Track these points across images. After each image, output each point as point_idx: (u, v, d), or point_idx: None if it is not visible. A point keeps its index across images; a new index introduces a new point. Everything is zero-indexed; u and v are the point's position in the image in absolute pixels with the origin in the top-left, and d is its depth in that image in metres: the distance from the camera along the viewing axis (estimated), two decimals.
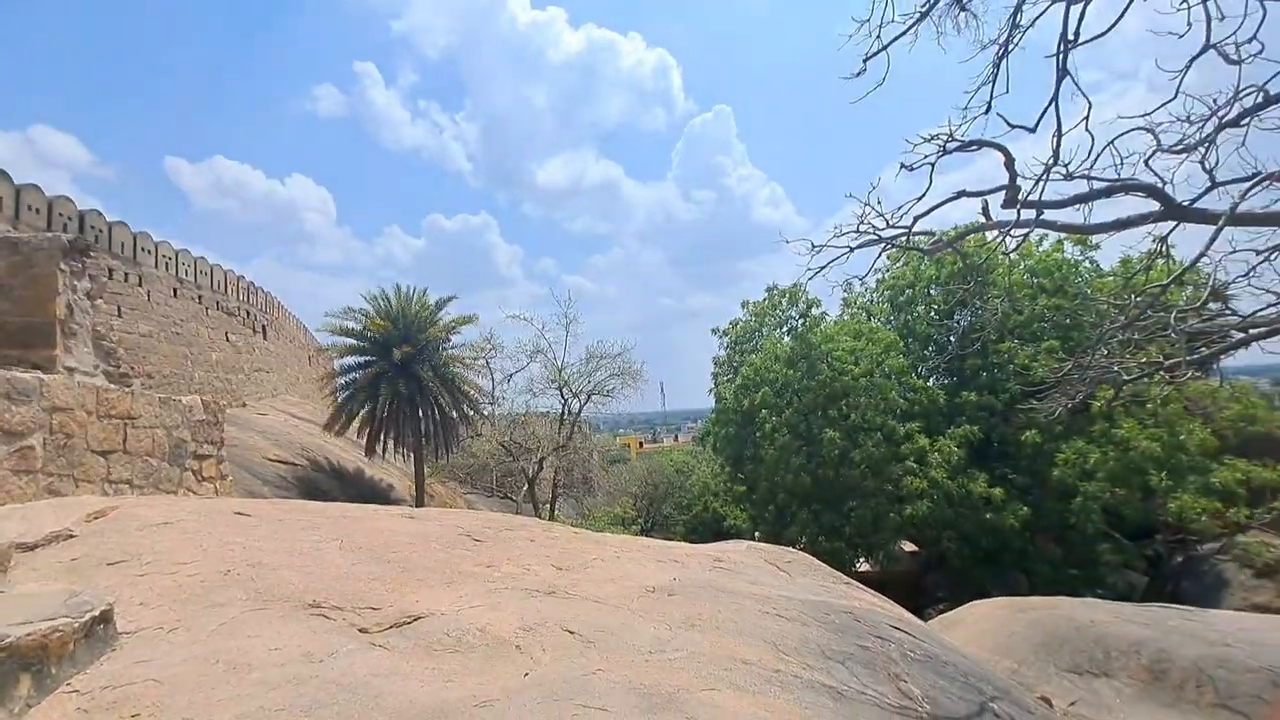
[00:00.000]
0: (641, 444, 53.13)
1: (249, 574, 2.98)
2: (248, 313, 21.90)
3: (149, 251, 16.93)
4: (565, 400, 21.52)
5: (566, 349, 21.79)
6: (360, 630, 2.56)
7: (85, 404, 5.19)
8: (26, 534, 3.30)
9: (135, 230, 16.51)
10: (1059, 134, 3.51)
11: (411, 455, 19.43)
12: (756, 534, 17.65)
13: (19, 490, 4.61)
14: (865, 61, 3.84)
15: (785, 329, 21.43)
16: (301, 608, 2.69)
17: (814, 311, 20.26)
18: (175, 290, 17.82)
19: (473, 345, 21.28)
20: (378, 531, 4.30)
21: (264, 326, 23.23)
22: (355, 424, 18.89)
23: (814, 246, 4.44)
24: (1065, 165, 3.79)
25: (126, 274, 15.97)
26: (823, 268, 4.45)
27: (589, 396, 21.59)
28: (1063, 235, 14.78)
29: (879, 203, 4.27)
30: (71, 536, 3.46)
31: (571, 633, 2.93)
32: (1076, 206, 4.02)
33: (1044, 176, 3.63)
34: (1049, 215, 4.14)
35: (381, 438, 18.72)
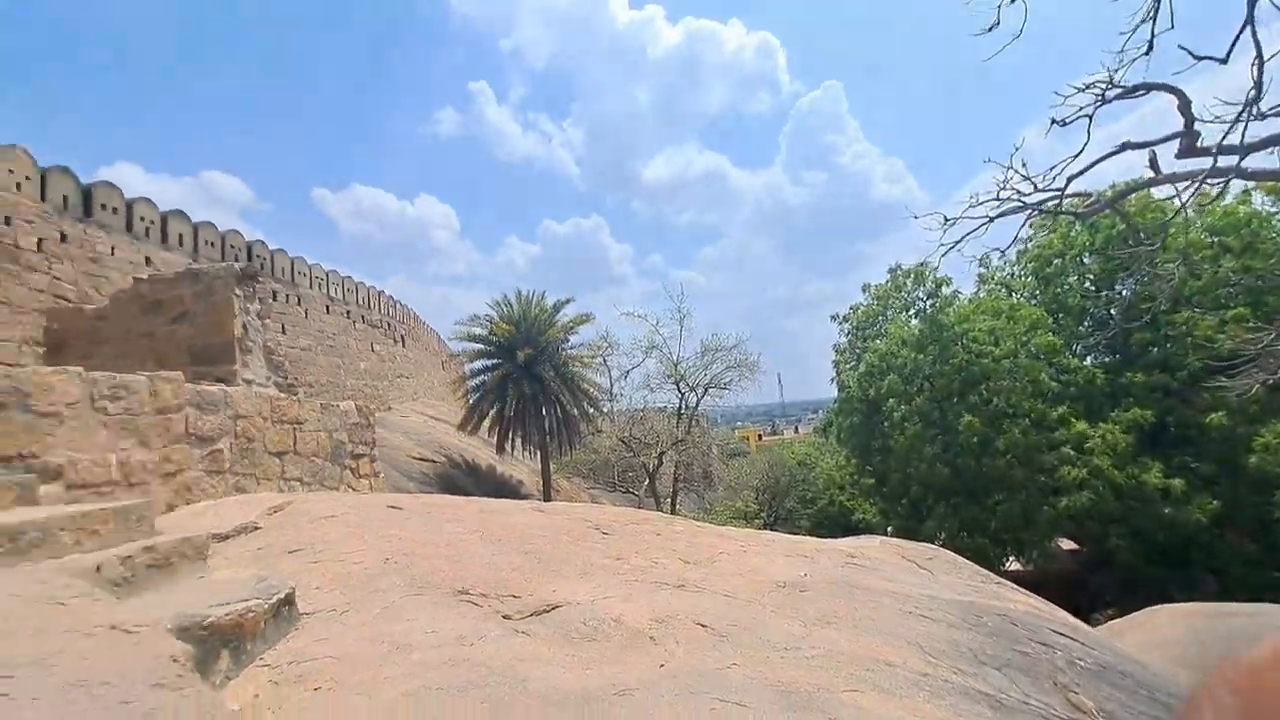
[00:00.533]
0: (760, 436, 52.26)
1: (405, 562, 3.23)
2: (389, 324, 23.96)
3: (304, 274, 18.99)
4: (682, 394, 21.58)
5: (681, 343, 21.90)
6: (504, 617, 2.69)
7: (262, 411, 5.88)
8: (219, 526, 3.77)
9: (292, 256, 18.59)
10: (1260, 61, 2.95)
11: (538, 452, 20.36)
12: (889, 529, 16.76)
13: (211, 488, 5.30)
14: (999, 9, 3.47)
15: (912, 311, 20.15)
16: (452, 594, 2.87)
17: (944, 291, 18.87)
18: (328, 307, 19.85)
19: (590, 344, 21.92)
20: (513, 525, 4.51)
21: (403, 336, 25.31)
22: (486, 423, 20.10)
23: (947, 220, 4.09)
24: (1256, 104, 3.20)
25: (287, 295, 18.01)
26: (957, 242, 4.09)
27: (706, 390, 21.51)
28: (1252, 185, 12.67)
29: (1024, 165, 3.84)
30: (256, 528, 3.93)
31: (703, 626, 2.90)
32: (1270, 149, 3.39)
33: (1244, 115, 3.07)
34: (1230, 161, 3.53)
35: (510, 436, 19.79)
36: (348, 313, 20.96)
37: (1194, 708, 0.39)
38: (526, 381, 19.11)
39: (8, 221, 11.03)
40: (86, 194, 12.76)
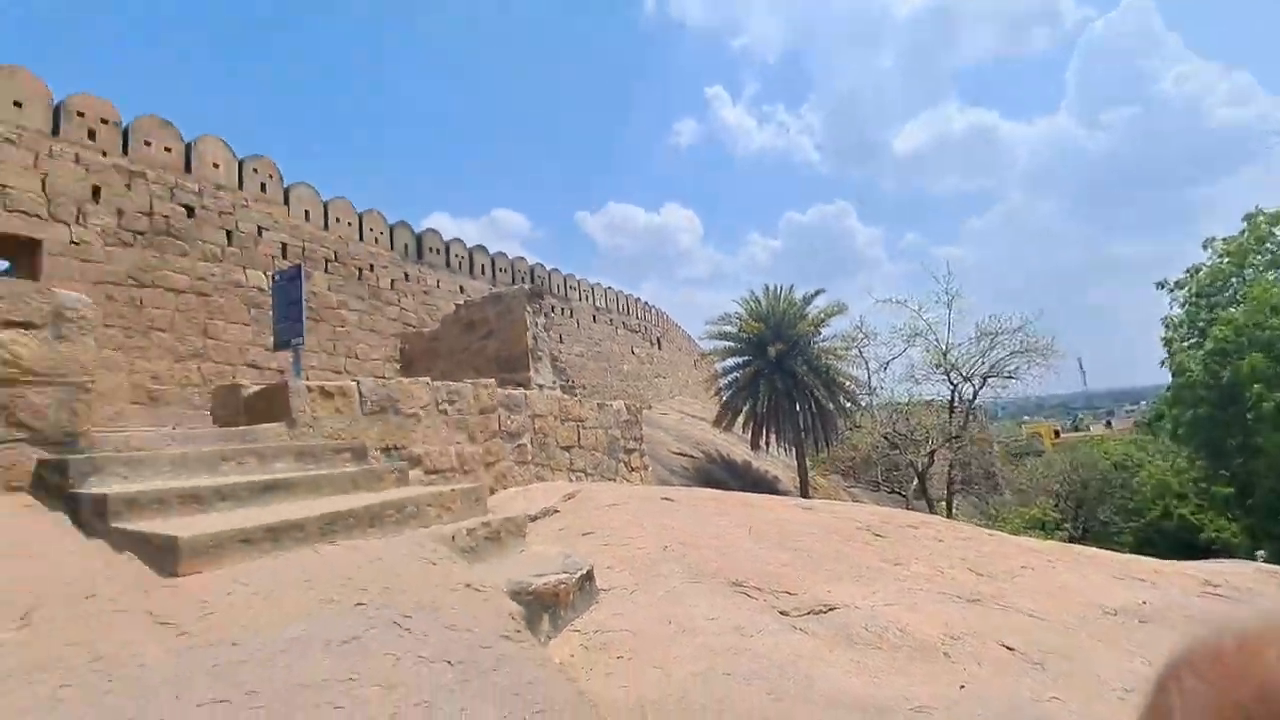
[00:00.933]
0: (1058, 433, 44.52)
1: (681, 551, 3.42)
2: (645, 329, 25.82)
3: (574, 288, 21.44)
4: (954, 385, 19.29)
5: (950, 328, 19.45)
6: (780, 613, 2.68)
7: (553, 411, 6.76)
8: (529, 509, 4.42)
9: (565, 273, 21.13)
10: None
11: (793, 448, 20.06)
12: (1259, 553, 12.93)
13: (518, 476, 6.24)
14: None
15: None
16: (727, 584, 2.96)
17: None
18: (594, 317, 22.12)
19: (844, 336, 20.85)
20: (777, 520, 4.49)
21: (658, 339, 27.05)
22: (739, 420, 20.43)
23: None
24: None
25: (562, 309, 20.49)
26: None
27: (984, 380, 18.90)
28: None
29: None
30: (556, 512, 4.52)
31: (1009, 649, 2.56)
32: None
33: None
34: None
35: (763, 432, 19.84)
36: (610, 320, 23.12)
37: (1161, 695, 0.36)
38: (779, 377, 18.97)
39: (372, 268, 14.43)
40: (419, 240, 16.08)
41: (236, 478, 2.98)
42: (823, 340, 20.43)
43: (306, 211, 13.28)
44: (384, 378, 7.96)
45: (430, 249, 16.33)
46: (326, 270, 13.32)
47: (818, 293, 20.85)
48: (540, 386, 8.86)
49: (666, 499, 4.81)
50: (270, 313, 9.39)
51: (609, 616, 2.58)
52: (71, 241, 9.50)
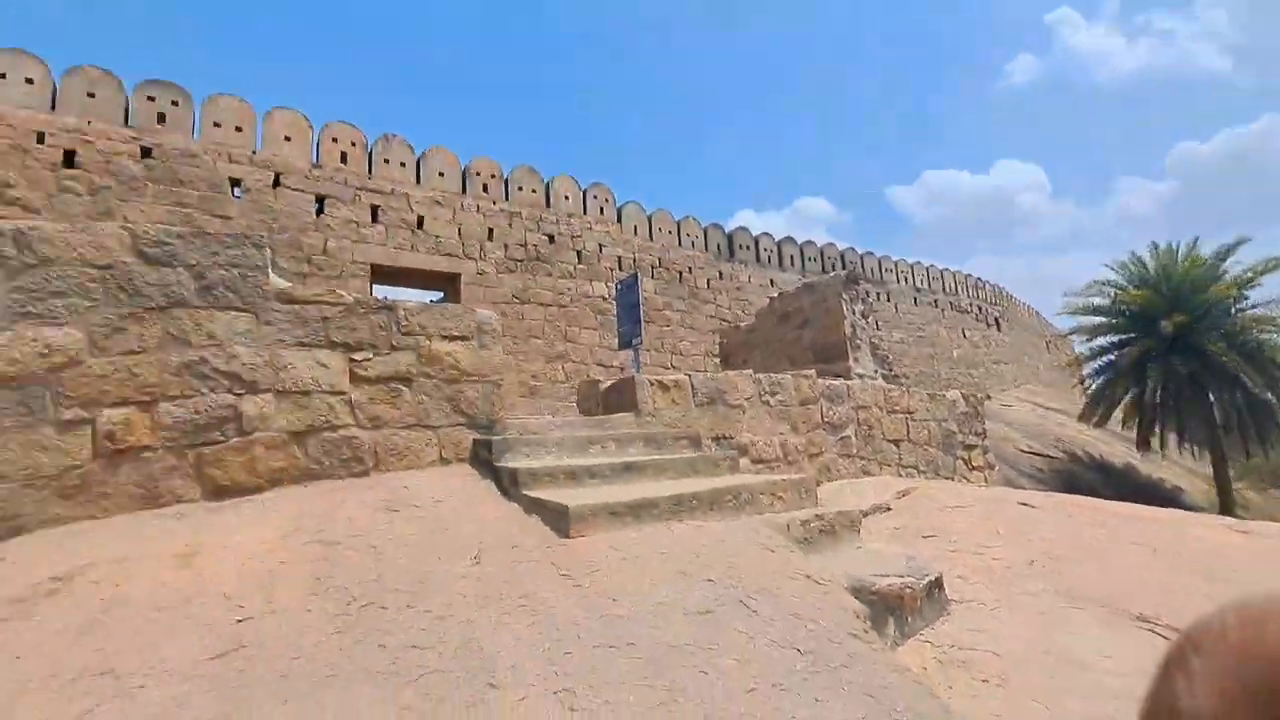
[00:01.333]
0: None
1: (1050, 566, 2.90)
2: (979, 308, 22.66)
3: (890, 270, 19.94)
4: None
5: None
6: None
7: (877, 402, 6.38)
8: (860, 504, 4.23)
9: (879, 255, 19.79)
10: None
11: (1204, 451, 15.41)
12: None
13: (842, 469, 6.04)
14: None
15: None
16: (1122, 616, 2.40)
17: None
18: (915, 299, 20.26)
19: None
20: (1193, 541, 3.50)
21: (996, 319, 23.49)
22: (1117, 414, 16.50)
23: None
24: None
25: (878, 293, 19.22)
26: None
27: None
28: None
29: None
30: (888, 509, 4.24)
31: None
32: None
33: None
34: None
35: (1156, 429, 15.66)
36: (934, 301, 20.91)
37: (1167, 675, 0.36)
38: (1178, 359, 14.73)
39: (690, 270, 15.59)
40: (729, 239, 16.82)
41: (601, 459, 3.50)
42: (1251, 307, 15.23)
43: (635, 226, 15.01)
44: (706, 371, 8.52)
45: (740, 246, 16.95)
46: (653, 276, 14.84)
47: (1238, 244, 15.60)
48: (860, 376, 8.45)
49: (1024, 504, 4.13)
50: (613, 317, 10.81)
51: (964, 632, 2.31)
52: (478, 272, 12.39)
